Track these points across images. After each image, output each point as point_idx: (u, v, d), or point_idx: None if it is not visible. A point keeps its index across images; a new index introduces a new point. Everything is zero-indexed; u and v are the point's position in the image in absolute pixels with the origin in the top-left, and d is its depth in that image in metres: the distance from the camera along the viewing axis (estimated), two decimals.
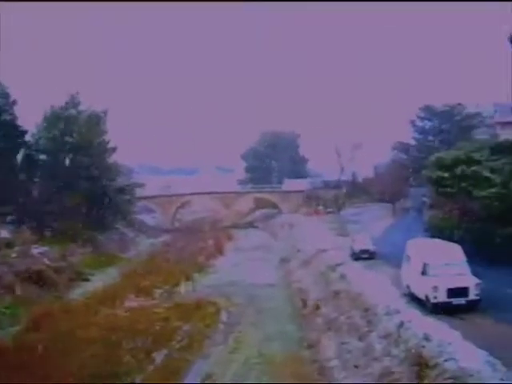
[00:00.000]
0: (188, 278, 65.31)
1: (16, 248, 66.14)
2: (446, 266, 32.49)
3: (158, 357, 37.31)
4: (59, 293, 58.82)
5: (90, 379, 32.18)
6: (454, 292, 31.29)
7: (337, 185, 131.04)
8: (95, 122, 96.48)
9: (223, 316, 48.34)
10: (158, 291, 59.01)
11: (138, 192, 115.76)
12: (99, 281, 65.18)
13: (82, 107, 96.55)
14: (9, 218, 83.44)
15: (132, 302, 54.15)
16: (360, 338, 32.77)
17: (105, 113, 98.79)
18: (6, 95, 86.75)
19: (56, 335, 40.38)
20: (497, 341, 25.15)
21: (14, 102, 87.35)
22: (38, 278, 58.94)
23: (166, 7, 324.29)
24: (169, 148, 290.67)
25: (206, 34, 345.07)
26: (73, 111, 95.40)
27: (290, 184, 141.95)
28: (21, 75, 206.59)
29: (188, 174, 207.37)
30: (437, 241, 40.84)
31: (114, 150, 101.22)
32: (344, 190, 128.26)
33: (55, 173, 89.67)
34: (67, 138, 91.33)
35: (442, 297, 31.31)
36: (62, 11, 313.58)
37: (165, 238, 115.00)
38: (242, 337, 41.51)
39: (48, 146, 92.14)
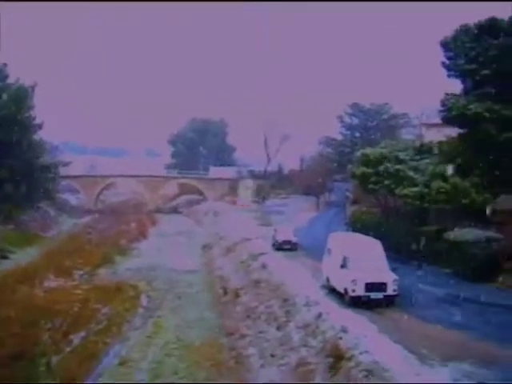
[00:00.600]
0: (109, 261, 64.86)
1: None
2: (366, 260, 32.99)
3: (76, 338, 37.05)
4: None
5: (7, 359, 31.77)
6: (372, 286, 31.83)
7: (263, 175, 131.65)
8: (23, 96, 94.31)
9: (143, 300, 48.23)
10: (78, 272, 58.40)
11: (63, 171, 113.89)
12: (19, 259, 63.98)
13: (9, 80, 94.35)
14: None
15: (51, 282, 53.48)
16: (278, 328, 33.18)
17: (33, 87, 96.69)
18: None
19: None
20: (411, 336, 25.82)
21: None
22: None
23: None
24: (96, 128, 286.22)
25: (137, 18, 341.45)
26: None
27: (216, 171, 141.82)
28: None
29: (114, 156, 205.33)
30: (357, 235, 41.53)
31: (39, 126, 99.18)
32: (269, 181, 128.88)
33: None
34: None
35: (360, 290, 31.82)
36: None
37: (88, 218, 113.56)
38: (162, 322, 41.52)
39: None
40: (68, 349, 35.24)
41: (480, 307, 31.62)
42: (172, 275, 57.47)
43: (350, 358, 23.58)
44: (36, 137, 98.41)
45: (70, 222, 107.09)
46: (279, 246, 57.03)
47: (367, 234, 40.83)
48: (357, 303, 31.73)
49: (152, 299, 48.66)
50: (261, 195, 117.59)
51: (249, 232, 68.86)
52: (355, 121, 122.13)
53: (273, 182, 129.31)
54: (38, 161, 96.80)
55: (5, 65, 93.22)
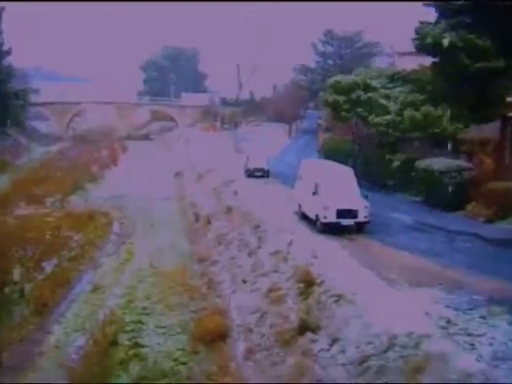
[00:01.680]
0: (81, 188, 64.68)
1: None
2: (337, 187, 33.13)
3: (48, 266, 37.17)
4: None
5: None
6: (343, 213, 32.06)
7: (234, 102, 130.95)
8: None
9: (115, 227, 48.39)
10: (49, 200, 58.22)
11: (33, 98, 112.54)
12: None
13: None
14: None
15: (23, 210, 53.31)
16: (249, 254, 33.46)
17: (0, 12, 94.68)
18: None
19: None
20: (381, 261, 26.16)
21: None
22: None
23: None
24: (66, 54, 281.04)
25: None
26: None
27: (187, 98, 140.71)
28: None
29: (83, 82, 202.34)
30: (330, 162, 41.60)
31: (8, 52, 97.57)
32: (241, 108, 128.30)
33: None
34: None
35: (331, 217, 32.03)
36: None
37: (58, 146, 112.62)
38: (134, 249, 41.72)
39: None
40: (41, 276, 35.40)
41: (448, 235, 32.02)
42: (144, 202, 57.47)
43: (320, 284, 23.88)
44: (5, 62, 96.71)
45: (41, 149, 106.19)
46: (251, 173, 57.18)
47: (339, 162, 40.96)
48: (328, 230, 32.01)
49: (124, 226, 48.84)
50: (232, 122, 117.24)
51: (221, 159, 68.77)
52: (329, 48, 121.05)
53: (245, 109, 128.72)
54: (7, 87, 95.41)
55: None
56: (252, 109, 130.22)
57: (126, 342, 26.06)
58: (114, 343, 25.65)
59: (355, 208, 32.19)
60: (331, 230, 31.90)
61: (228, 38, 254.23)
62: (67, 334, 27.39)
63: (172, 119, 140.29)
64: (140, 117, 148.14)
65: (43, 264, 37.42)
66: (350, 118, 55.14)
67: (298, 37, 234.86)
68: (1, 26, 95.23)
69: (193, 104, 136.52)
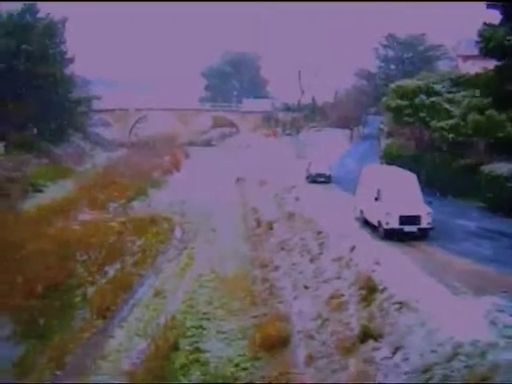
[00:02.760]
0: (143, 194, 65.30)
1: None
2: (400, 193, 32.69)
3: (111, 270, 37.59)
4: (12, 203, 58.34)
5: (43, 290, 32.43)
6: (406, 219, 31.61)
7: (296, 108, 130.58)
8: (53, 31, 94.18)
9: (177, 232, 48.67)
10: (112, 205, 58.97)
11: (95, 105, 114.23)
12: (53, 193, 64.66)
13: (40, 15, 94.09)
14: None
15: (86, 215, 54.07)
16: (311, 260, 33.27)
17: (63, 22, 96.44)
18: None
19: (7, 245, 40.26)
20: (444, 269, 25.68)
21: None
22: None
23: None
24: (129, 61, 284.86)
25: None
26: (30, 18, 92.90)
27: (249, 104, 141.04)
28: None
29: (146, 90, 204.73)
30: (392, 168, 41.09)
31: (71, 60, 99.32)
32: (303, 113, 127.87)
33: (11, 82, 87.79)
34: (24, 46, 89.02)
35: (394, 223, 31.61)
36: None
37: (121, 152, 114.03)
38: (195, 254, 41.86)
39: (3, 53, 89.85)
40: (103, 280, 35.83)
41: None
42: (206, 208, 57.66)
43: (382, 291, 23.60)
44: (68, 71, 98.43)
45: (104, 155, 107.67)
46: (313, 179, 56.92)
47: (402, 167, 40.46)
48: (390, 236, 31.60)
49: (186, 231, 49.08)
50: (294, 128, 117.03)
51: (282, 165, 68.72)
52: (390, 53, 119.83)
53: (306, 115, 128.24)
54: (71, 95, 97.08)
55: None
56: (314, 114, 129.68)
57: (187, 347, 26.15)
58: (175, 348, 25.78)
59: (418, 214, 31.67)
60: (394, 236, 31.47)
61: (289, 43, 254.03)
62: (129, 338, 27.61)
63: (233, 125, 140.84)
64: (202, 123, 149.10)
65: (106, 268, 37.89)
66: (413, 122, 54.48)
67: (359, 41, 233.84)
68: (64, 35, 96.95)
69: (254, 110, 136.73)
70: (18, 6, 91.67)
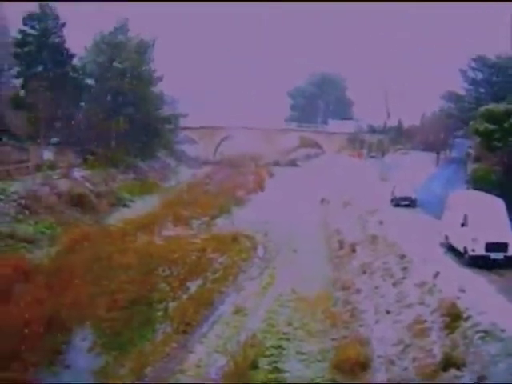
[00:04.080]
0: (227, 211, 65.68)
1: (58, 170, 66.91)
2: (487, 219, 32.01)
3: (193, 286, 37.89)
4: (98, 217, 59.64)
5: (126, 303, 32.92)
6: (493, 246, 30.90)
7: (382, 130, 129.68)
8: (144, 49, 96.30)
9: (259, 251, 48.71)
10: (196, 222, 59.50)
11: (182, 122, 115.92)
12: (138, 208, 65.88)
13: (130, 34, 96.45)
14: (53, 140, 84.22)
15: (170, 231, 54.74)
16: (394, 284, 32.83)
17: (153, 41, 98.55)
18: (56, 17, 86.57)
19: (93, 258, 41.12)
20: None
21: (64, 25, 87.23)
22: (78, 201, 59.76)
23: None
24: (214, 80, 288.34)
25: None
26: (122, 37, 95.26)
27: (335, 125, 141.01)
28: None
29: (232, 107, 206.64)
30: (480, 193, 40.29)
31: (160, 79, 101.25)
32: (389, 136, 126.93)
33: (101, 98, 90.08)
34: (115, 64, 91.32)
35: (480, 250, 30.94)
36: None
37: (206, 169, 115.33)
38: (277, 273, 41.81)
39: (95, 70, 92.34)
40: (185, 296, 36.11)
41: None
42: (288, 228, 57.58)
43: (466, 318, 23.10)
44: (156, 89, 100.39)
45: (189, 172, 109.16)
46: (398, 202, 56.28)
47: (489, 193, 39.62)
48: (476, 263, 30.92)
49: (268, 251, 49.08)
50: (379, 150, 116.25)
51: (367, 187, 68.24)
52: (479, 75, 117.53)
53: (392, 137, 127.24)
54: (158, 112, 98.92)
55: (126, 19, 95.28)
56: (399, 136, 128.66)
57: (266, 366, 26.07)
58: (254, 366, 25.72)
59: (505, 241, 30.91)
60: (479, 263, 30.77)
61: (377, 64, 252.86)
62: (208, 354, 27.68)
63: (319, 146, 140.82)
64: (287, 143, 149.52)
65: (188, 284, 38.19)
66: (502, 147, 53.41)
67: (447, 63, 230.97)
68: (152, 53, 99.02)
69: (340, 131, 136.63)
70: (111, 25, 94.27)
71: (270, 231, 56.17)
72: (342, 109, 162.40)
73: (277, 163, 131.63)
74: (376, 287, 34.51)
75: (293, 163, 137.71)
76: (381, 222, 47.36)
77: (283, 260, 45.74)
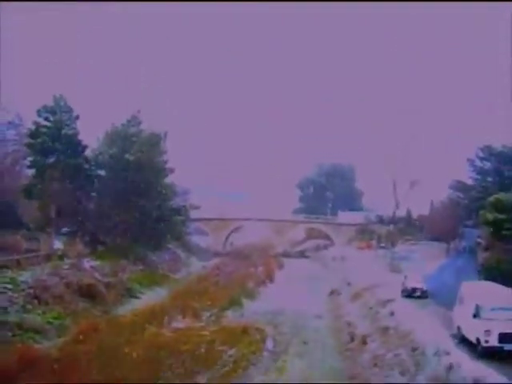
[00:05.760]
0: (237, 303, 65.24)
1: (68, 260, 67.14)
2: (500, 310, 31.81)
3: (202, 379, 37.32)
4: (107, 308, 59.35)
5: None
6: (506, 337, 30.57)
7: (391, 220, 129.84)
8: (155, 141, 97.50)
9: (269, 344, 48.12)
10: (205, 314, 59.06)
11: (193, 214, 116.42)
12: (148, 299, 65.58)
13: (142, 126, 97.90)
14: (63, 230, 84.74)
15: (179, 322, 54.29)
16: (406, 377, 32.35)
17: (165, 134, 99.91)
18: (70, 109, 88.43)
19: (101, 350, 40.71)
20: None
21: (77, 117, 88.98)
22: (87, 292, 59.65)
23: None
24: (223, 171, 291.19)
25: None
26: (134, 129, 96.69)
27: (343, 216, 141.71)
28: (82, 91, 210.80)
29: (241, 199, 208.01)
30: (491, 284, 40.11)
31: (171, 170, 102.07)
32: (398, 226, 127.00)
33: (112, 189, 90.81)
34: (127, 156, 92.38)
35: (493, 341, 30.59)
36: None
37: (216, 261, 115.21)
38: (287, 366, 41.24)
39: (107, 162, 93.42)
40: None
41: None
42: (298, 320, 57.11)
43: None
44: (167, 180, 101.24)
45: (199, 264, 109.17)
46: (408, 294, 55.96)
47: (501, 283, 39.39)
48: (489, 354, 30.48)
49: (278, 343, 48.46)
50: (389, 241, 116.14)
51: (377, 278, 67.94)
52: (487, 164, 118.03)
53: (401, 228, 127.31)
54: (169, 203, 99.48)
55: (138, 111, 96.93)
56: (408, 227, 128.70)
57: None
58: None
59: None
60: (493, 354, 30.34)
61: (383, 153, 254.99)
62: None
63: (327, 237, 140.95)
64: (296, 234, 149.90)
65: (197, 377, 37.63)
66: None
67: (454, 151, 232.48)
68: (165, 146, 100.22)
69: (349, 222, 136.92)
70: (124, 117, 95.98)
71: (279, 323, 55.66)
72: (351, 200, 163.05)
73: (286, 254, 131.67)
74: (387, 380, 34.02)
75: (302, 254, 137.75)
76: (392, 314, 46.99)
77: (293, 353, 45.16)
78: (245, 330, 50.33)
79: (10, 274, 55.63)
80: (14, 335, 43.46)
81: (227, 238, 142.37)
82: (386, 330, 43.33)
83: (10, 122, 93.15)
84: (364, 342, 44.22)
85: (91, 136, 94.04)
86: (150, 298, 66.45)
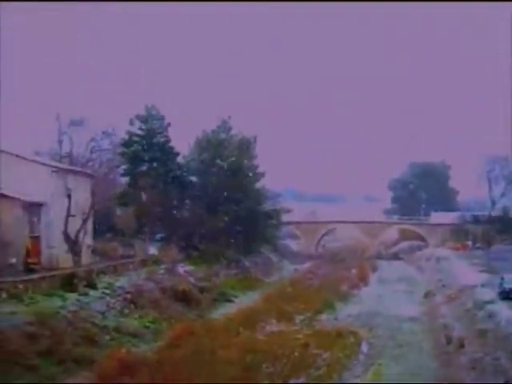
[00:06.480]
0: (330, 307, 64.93)
1: (163, 265, 68.24)
2: None
3: None
4: (202, 312, 59.99)
5: None
6: None
7: (487, 220, 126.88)
8: (246, 146, 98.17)
9: (364, 347, 47.66)
10: (299, 317, 58.94)
11: (284, 217, 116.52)
12: (241, 303, 65.93)
13: (232, 132, 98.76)
14: (158, 236, 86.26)
15: (273, 326, 54.33)
16: (506, 382, 31.55)
17: (255, 138, 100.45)
18: (161, 117, 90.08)
19: (197, 353, 41.03)
20: None
21: (169, 125, 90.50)
22: (182, 296, 60.56)
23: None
24: (314, 174, 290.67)
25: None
26: (224, 135, 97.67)
27: (437, 217, 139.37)
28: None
29: (333, 201, 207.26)
30: None
31: (262, 174, 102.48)
32: (494, 226, 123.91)
33: (205, 195, 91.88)
34: (218, 162, 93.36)
35: None
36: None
37: (308, 264, 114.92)
38: (383, 370, 40.72)
39: (199, 168, 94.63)
40: None
41: None
42: (393, 322, 56.48)
43: None
44: (259, 185, 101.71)
45: (291, 267, 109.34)
46: (507, 295, 54.46)
47: None
48: None
49: (373, 346, 47.96)
50: (485, 241, 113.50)
51: (473, 279, 66.50)
52: None
53: (497, 228, 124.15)
54: (261, 208, 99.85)
55: (229, 117, 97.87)
56: (506, 227, 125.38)
57: None
58: None
59: None
60: None
61: (475, 150, 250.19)
62: None
63: (421, 238, 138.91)
64: (389, 236, 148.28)
65: (291, 381, 37.52)
66: None
67: None
68: (255, 151, 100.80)
69: (442, 222, 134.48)
70: (214, 124, 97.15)
71: (374, 326, 55.13)
72: (445, 199, 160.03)
73: (380, 256, 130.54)
74: None
75: (396, 256, 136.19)
76: (490, 316, 45.90)
77: (389, 356, 44.59)
78: (339, 334, 50.00)
79: (107, 279, 57.09)
80: (111, 339, 44.39)
81: (319, 241, 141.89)
82: (483, 332, 42.34)
83: (103, 132, 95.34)
84: (461, 345, 43.33)
85: (182, 142, 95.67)
86: (243, 302, 66.81)
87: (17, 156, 59.37)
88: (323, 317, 60.35)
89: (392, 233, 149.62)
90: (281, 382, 37.10)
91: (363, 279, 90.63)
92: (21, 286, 45.63)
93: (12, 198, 53.63)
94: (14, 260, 52.59)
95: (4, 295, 43.20)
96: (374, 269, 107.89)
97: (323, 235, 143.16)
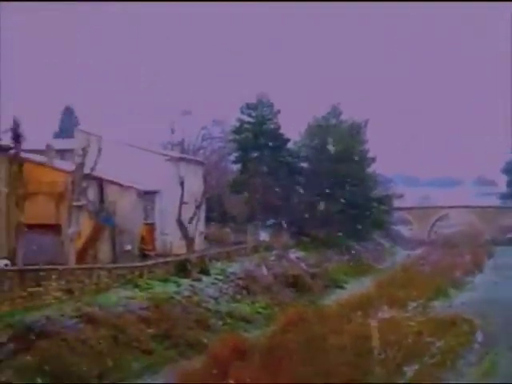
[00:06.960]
0: (443, 294, 63.91)
1: (274, 251, 68.74)
2: None
3: (409, 371, 36.80)
4: (314, 298, 60.16)
5: None
6: None
7: None
8: (356, 131, 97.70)
9: (479, 336, 46.68)
10: (411, 304, 58.25)
11: (396, 203, 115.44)
12: (353, 289, 65.73)
13: (343, 117, 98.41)
14: (269, 222, 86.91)
15: (384, 312, 53.88)
16: None
17: (365, 122, 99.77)
18: (271, 105, 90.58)
19: (308, 339, 41.13)
20: None
21: (279, 111, 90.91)
22: (294, 282, 61.05)
23: None
24: (428, 159, 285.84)
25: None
26: (334, 120, 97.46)
27: None
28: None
29: (446, 186, 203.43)
30: None
31: (373, 159, 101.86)
32: None
33: (316, 181, 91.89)
34: (329, 147, 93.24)
35: None
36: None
37: (421, 250, 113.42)
38: (499, 359, 39.76)
39: (309, 154, 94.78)
40: (401, 381, 35.10)
41: None
42: (510, 311, 54.98)
43: None
44: (370, 170, 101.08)
45: (403, 253, 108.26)
46: None
47: None
48: None
49: (488, 335, 46.90)
50: None
51: None
52: None
53: None
54: (372, 193, 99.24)
55: (338, 103, 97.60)
56: None
57: None
58: None
59: None
60: None
61: None
62: None
63: None
64: (505, 221, 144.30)
65: (404, 368, 37.14)
66: None
67: None
68: (366, 134, 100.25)
69: None
70: (324, 110, 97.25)
71: (490, 314, 53.83)
72: None
73: (496, 242, 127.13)
74: None
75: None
76: None
77: (505, 346, 43.48)
78: (453, 321, 49.16)
79: (219, 265, 58.05)
80: (224, 324, 45.15)
81: (432, 227, 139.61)
82: None
83: (214, 120, 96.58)
84: None
85: (293, 129, 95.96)
86: (355, 288, 66.59)
87: (131, 146, 61.02)
88: (436, 304, 59.48)
89: (508, 217, 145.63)
90: (393, 368, 36.84)
91: (478, 265, 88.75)
92: (136, 272, 46.99)
93: (128, 187, 55.20)
94: (129, 247, 54.21)
95: (122, 280, 44.56)
96: (490, 255, 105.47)
97: (436, 220, 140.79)
